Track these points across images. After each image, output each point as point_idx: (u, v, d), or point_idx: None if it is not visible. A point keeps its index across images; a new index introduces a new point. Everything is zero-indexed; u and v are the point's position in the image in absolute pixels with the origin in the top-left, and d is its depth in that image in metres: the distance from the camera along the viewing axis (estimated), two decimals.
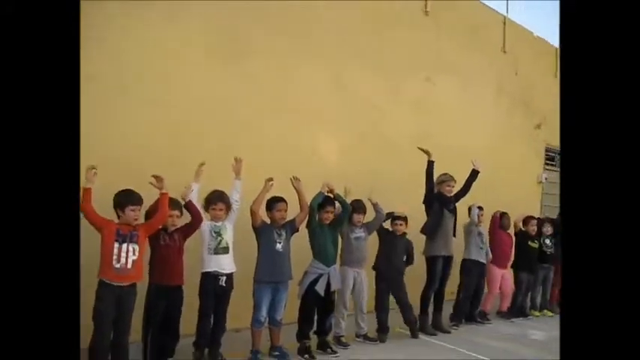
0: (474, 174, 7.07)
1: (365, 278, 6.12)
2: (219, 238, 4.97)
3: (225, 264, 4.98)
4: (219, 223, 5.02)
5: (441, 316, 6.92)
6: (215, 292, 4.91)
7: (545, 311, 8.34)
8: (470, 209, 7.32)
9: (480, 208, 7.33)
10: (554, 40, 11.73)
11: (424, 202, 6.79)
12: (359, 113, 7.48)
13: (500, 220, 7.62)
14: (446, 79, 8.78)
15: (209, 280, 4.91)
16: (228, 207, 5.04)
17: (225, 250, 5.00)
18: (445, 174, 6.89)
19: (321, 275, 5.45)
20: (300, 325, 5.51)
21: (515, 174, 10.28)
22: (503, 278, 7.71)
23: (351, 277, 5.99)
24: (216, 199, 5.00)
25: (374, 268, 6.35)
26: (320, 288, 5.42)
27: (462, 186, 6.97)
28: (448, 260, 6.80)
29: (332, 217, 5.67)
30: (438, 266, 6.69)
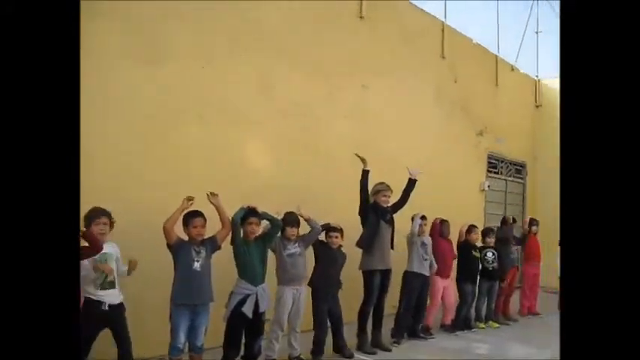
0: (411, 183, 6.78)
1: (304, 296, 5.71)
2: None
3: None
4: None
5: (380, 333, 6.53)
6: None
7: (491, 322, 8.09)
8: (413, 219, 7.01)
9: (423, 217, 7.02)
10: (493, 47, 11.67)
11: (360, 214, 6.43)
12: (290, 119, 7.05)
13: (440, 227, 7.33)
14: (383, 84, 8.47)
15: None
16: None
17: (112, 285, 4.45)
18: (381, 183, 6.55)
19: (248, 296, 5.00)
20: (225, 351, 5.04)
21: (457, 182, 10.06)
22: (445, 289, 7.41)
23: (290, 297, 5.55)
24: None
25: (309, 284, 5.96)
26: (247, 309, 4.97)
27: (399, 196, 6.65)
28: (386, 274, 6.44)
29: (257, 231, 5.22)
30: (375, 280, 6.32)
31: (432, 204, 8.58)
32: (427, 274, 6.99)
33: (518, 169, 12.60)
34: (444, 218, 7.44)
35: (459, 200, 9.93)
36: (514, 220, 8.93)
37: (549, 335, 7.72)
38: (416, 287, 6.89)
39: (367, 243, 6.30)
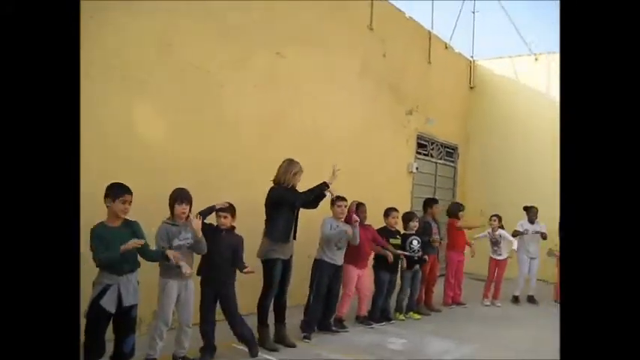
0: (322, 195, 6.03)
1: (192, 288, 4.95)
2: None
3: None
4: None
5: (284, 327, 5.84)
6: None
7: (412, 314, 7.53)
8: (332, 203, 6.33)
9: (341, 198, 6.34)
10: (427, 22, 11.08)
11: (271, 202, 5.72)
12: (190, 83, 6.20)
13: (356, 211, 6.65)
14: (301, 53, 7.69)
15: None
16: None
17: None
18: (296, 162, 5.80)
19: (109, 287, 4.19)
20: (85, 350, 4.22)
21: (384, 162, 9.47)
22: (360, 278, 6.76)
23: (174, 289, 4.79)
24: None
25: (198, 272, 5.21)
26: (107, 303, 4.15)
27: (306, 193, 5.85)
28: (287, 263, 5.75)
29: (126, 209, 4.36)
30: (276, 270, 5.62)
31: (355, 185, 7.99)
32: (339, 263, 6.33)
33: (450, 151, 12.09)
34: (360, 201, 6.76)
35: (385, 182, 9.36)
36: (435, 202, 8.33)
37: (471, 327, 7.24)
38: (326, 277, 6.23)
39: (279, 233, 5.63)
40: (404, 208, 8.73)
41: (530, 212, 9.09)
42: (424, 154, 10.95)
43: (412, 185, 10.38)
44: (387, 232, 7.13)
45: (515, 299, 9.02)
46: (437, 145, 11.47)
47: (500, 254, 8.73)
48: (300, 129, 7.58)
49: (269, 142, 6.96)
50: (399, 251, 7.07)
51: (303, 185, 6.07)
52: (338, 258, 6.29)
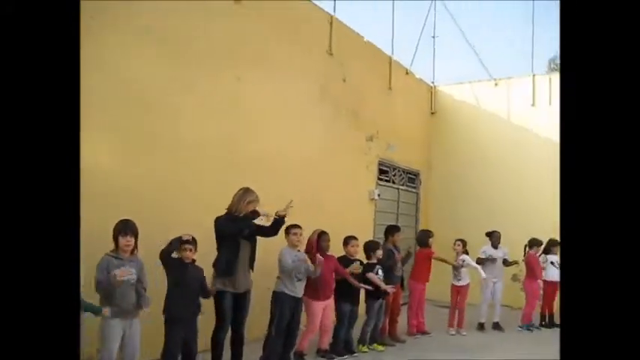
0: (279, 222, 5.80)
1: (138, 327, 4.58)
2: None
3: None
4: None
5: None
6: None
7: (375, 345, 7.26)
8: (287, 232, 6.07)
9: (295, 226, 6.09)
10: (387, 48, 11.01)
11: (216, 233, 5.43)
12: (145, 110, 5.91)
13: (317, 241, 6.40)
14: (260, 77, 7.48)
15: None
16: None
17: None
18: (250, 191, 5.54)
19: None
20: None
21: (344, 189, 9.24)
22: (324, 311, 6.48)
23: (118, 327, 4.44)
24: None
25: (164, 311, 4.88)
26: None
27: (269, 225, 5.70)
28: (241, 297, 5.45)
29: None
30: (224, 304, 5.32)
31: (315, 213, 7.77)
32: (300, 295, 6.05)
33: (412, 177, 11.97)
34: (323, 230, 6.51)
35: (346, 209, 9.12)
36: (397, 229, 8.09)
37: (436, 357, 7.00)
38: (287, 310, 5.95)
39: (226, 265, 5.33)
40: (366, 235, 8.54)
41: (493, 237, 8.97)
42: (386, 181, 10.78)
43: (374, 212, 10.17)
44: (346, 262, 6.88)
45: (481, 326, 8.82)
46: (399, 171, 11.32)
47: (460, 280, 8.53)
48: (260, 154, 7.32)
49: (227, 166, 6.68)
50: (363, 286, 6.83)
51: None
52: (298, 290, 6.02)
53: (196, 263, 5.08)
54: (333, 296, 6.68)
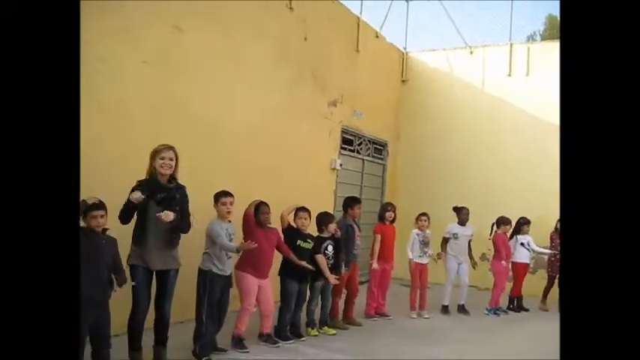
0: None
1: None
2: None
3: None
4: None
5: (163, 350, 4.82)
6: None
7: (326, 328, 6.59)
8: (216, 199, 5.32)
9: (225, 193, 5.31)
10: (356, 7, 10.20)
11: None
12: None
13: (254, 213, 5.66)
14: (204, 29, 6.65)
15: None
16: None
17: None
18: (163, 149, 4.67)
19: None
20: None
21: (303, 158, 8.50)
22: (262, 290, 5.75)
23: None
24: None
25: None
26: None
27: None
28: (163, 275, 4.70)
29: None
30: (137, 279, 4.57)
31: (269, 184, 7.10)
32: (229, 272, 5.34)
33: (379, 148, 11.23)
34: (262, 200, 5.77)
35: (305, 180, 8.41)
36: (356, 201, 7.35)
37: (390, 342, 6.36)
38: (218, 291, 5.24)
39: (138, 234, 4.58)
40: (326, 208, 7.81)
41: (461, 213, 8.29)
42: (350, 150, 10.04)
43: (336, 183, 9.44)
44: (295, 234, 6.16)
45: (445, 309, 8.21)
46: (364, 140, 10.58)
47: (423, 257, 7.88)
48: (201, 117, 6.54)
49: (160, 130, 5.84)
50: (306, 266, 6.08)
51: (203, 186, 5.12)
52: (228, 267, 5.30)
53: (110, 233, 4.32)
54: (270, 274, 5.95)
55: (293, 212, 6.27)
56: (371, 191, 10.79)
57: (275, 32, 7.92)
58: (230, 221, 5.37)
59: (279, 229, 6.07)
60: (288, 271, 6.10)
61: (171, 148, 4.65)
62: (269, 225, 5.80)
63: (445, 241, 8.15)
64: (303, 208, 6.31)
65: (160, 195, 4.56)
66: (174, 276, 4.74)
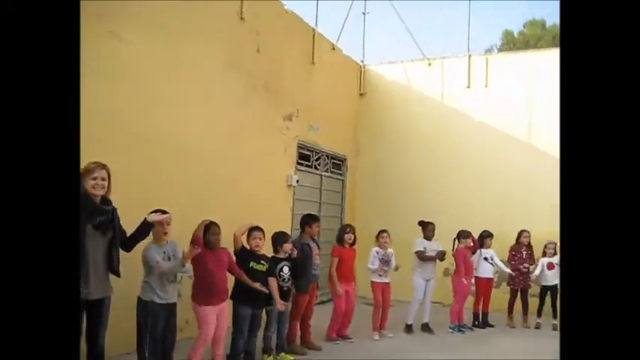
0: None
1: None
2: None
3: None
4: None
5: None
6: None
7: (282, 355, 6.16)
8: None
9: (161, 212, 4.86)
10: (311, 19, 9.91)
11: None
12: None
13: (203, 234, 5.24)
14: (146, 36, 6.23)
15: None
16: None
17: None
18: (95, 167, 4.16)
19: None
20: None
21: (257, 174, 8.10)
22: (219, 316, 5.33)
23: None
24: None
25: None
26: None
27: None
28: (96, 304, 4.23)
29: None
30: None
31: (220, 202, 6.74)
32: (174, 299, 4.90)
33: (337, 163, 10.90)
34: (212, 220, 5.36)
35: (260, 198, 8.02)
36: (314, 219, 6.98)
37: None
38: (162, 322, 4.79)
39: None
40: (283, 226, 7.45)
41: (427, 229, 8.00)
42: (307, 166, 9.68)
43: (293, 200, 9.06)
44: (248, 256, 5.76)
45: (409, 328, 7.87)
46: (322, 155, 10.24)
47: (384, 276, 7.54)
48: (143, 131, 6.09)
49: (95, 146, 5.34)
50: (259, 289, 5.64)
51: (144, 206, 4.70)
52: (171, 294, 4.86)
53: None
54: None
55: (246, 232, 5.86)
56: (330, 208, 10.44)
57: (225, 43, 7.54)
58: (168, 242, 4.92)
59: (231, 251, 5.65)
60: (240, 294, 5.69)
61: (103, 166, 4.20)
62: (219, 246, 5.39)
63: (425, 258, 7.85)
64: (257, 228, 5.92)
65: (98, 218, 4.11)
66: (106, 304, 4.28)
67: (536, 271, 8.51)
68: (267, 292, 5.73)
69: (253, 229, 5.87)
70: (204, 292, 5.19)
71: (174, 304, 4.90)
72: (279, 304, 5.90)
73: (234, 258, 5.63)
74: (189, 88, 6.87)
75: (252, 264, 5.72)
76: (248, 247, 5.84)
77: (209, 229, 5.24)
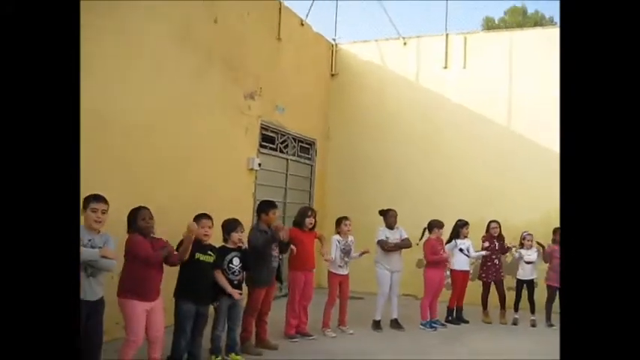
0: None
1: None
2: None
3: None
4: None
5: None
6: None
7: (232, 356, 5.54)
8: (84, 206, 4.21)
9: (96, 197, 4.22)
10: None
11: None
12: None
13: (134, 222, 4.59)
14: (92, 12, 5.48)
15: None
16: None
17: None
18: None
19: None
20: None
21: (216, 157, 7.44)
22: (151, 315, 4.68)
23: None
24: None
25: None
26: None
27: None
28: None
29: None
30: None
31: (177, 187, 6.23)
32: (99, 295, 4.24)
33: (305, 147, 10.24)
34: (142, 205, 4.72)
35: (218, 182, 7.39)
36: (272, 206, 6.33)
37: None
38: (83, 318, 4.11)
39: None
40: (244, 214, 6.82)
41: (388, 216, 7.39)
42: (271, 149, 9.01)
43: (254, 185, 8.40)
44: (194, 246, 5.09)
45: (376, 325, 7.28)
46: (289, 138, 9.57)
47: (343, 267, 6.96)
48: (101, 111, 5.50)
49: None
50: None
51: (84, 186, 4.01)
52: (95, 289, 4.20)
53: None
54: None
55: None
56: (297, 194, 9.80)
57: (176, 12, 6.82)
58: (99, 232, 4.26)
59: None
60: (183, 289, 5.07)
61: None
62: (153, 235, 4.73)
63: (390, 247, 7.24)
64: (204, 215, 5.27)
65: None
66: None
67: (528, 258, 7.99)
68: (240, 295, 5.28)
69: (200, 217, 5.22)
70: (133, 287, 4.54)
71: (98, 302, 4.23)
72: (236, 294, 5.33)
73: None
74: (136, 61, 6.17)
75: (197, 255, 5.07)
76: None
77: (137, 213, 4.59)
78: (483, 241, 8.20)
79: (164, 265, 4.79)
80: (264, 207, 6.23)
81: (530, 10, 26.67)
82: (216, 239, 5.47)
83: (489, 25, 28.06)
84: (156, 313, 4.72)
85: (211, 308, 5.38)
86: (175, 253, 4.84)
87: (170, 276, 5.03)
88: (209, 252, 5.21)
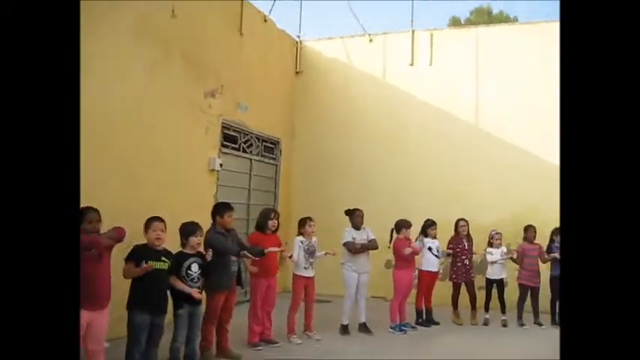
0: None
1: None
2: None
3: None
4: None
5: None
6: None
7: None
8: None
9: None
10: None
11: None
12: None
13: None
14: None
15: None
16: None
17: None
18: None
19: None
20: None
21: (173, 157, 7.10)
22: (92, 325, 4.34)
23: None
24: None
25: None
26: None
27: None
28: None
29: None
30: None
31: (129, 188, 6.06)
32: None
33: (270, 146, 9.95)
34: (89, 206, 4.39)
35: (175, 184, 7.04)
36: (227, 208, 6.03)
37: None
38: None
39: None
40: (203, 216, 6.48)
41: (355, 216, 7.15)
42: (233, 148, 8.70)
43: (216, 186, 8.08)
44: (146, 253, 4.78)
45: (344, 329, 7.03)
46: (252, 137, 9.28)
47: (311, 269, 6.70)
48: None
49: None
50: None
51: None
52: None
53: None
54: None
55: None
56: (262, 195, 9.51)
57: (131, 4, 6.48)
58: None
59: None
60: (136, 300, 4.73)
61: None
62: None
63: (355, 250, 6.99)
64: (156, 218, 4.94)
65: None
66: None
67: (491, 258, 7.85)
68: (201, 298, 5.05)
69: (152, 220, 4.90)
70: (85, 294, 4.19)
71: None
72: (195, 293, 5.10)
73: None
74: (88, 54, 5.78)
75: (150, 263, 4.74)
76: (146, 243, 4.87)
77: (84, 215, 4.26)
78: (449, 243, 8.05)
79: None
80: (220, 209, 5.93)
81: (495, 11, 26.86)
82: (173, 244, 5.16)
83: (455, 24, 28.18)
84: (98, 325, 4.38)
85: (169, 318, 5.06)
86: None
87: (123, 285, 4.71)
88: (163, 258, 4.88)
